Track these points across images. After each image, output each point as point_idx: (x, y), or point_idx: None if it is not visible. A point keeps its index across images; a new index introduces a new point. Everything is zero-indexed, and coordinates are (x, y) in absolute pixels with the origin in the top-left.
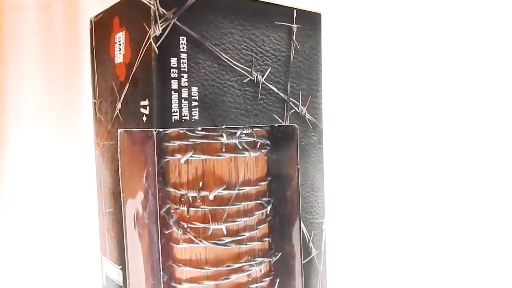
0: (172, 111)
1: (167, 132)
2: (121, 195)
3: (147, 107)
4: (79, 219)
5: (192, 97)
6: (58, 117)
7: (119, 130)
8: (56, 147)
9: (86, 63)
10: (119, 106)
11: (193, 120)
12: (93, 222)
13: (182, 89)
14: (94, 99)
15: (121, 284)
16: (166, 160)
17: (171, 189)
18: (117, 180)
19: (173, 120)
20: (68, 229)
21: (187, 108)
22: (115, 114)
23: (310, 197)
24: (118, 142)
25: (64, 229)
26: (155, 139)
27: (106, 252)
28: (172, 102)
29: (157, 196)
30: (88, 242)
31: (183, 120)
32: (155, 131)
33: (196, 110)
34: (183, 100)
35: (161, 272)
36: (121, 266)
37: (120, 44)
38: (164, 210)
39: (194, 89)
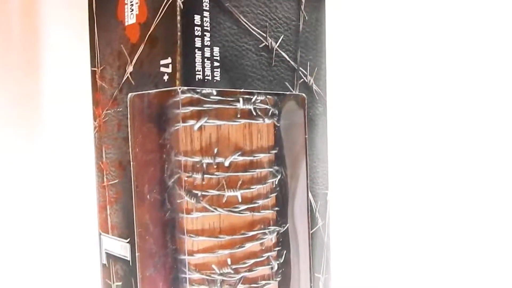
0: (196, 70)
1: (177, 99)
2: (131, 163)
3: (169, 66)
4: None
5: (214, 57)
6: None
7: (130, 94)
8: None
9: (44, 56)
10: (130, 69)
11: (214, 81)
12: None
13: (205, 48)
14: (94, 67)
15: (128, 258)
16: (176, 128)
17: (182, 158)
18: (126, 148)
19: (196, 79)
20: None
21: (210, 68)
22: (125, 78)
23: (317, 168)
24: (128, 108)
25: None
26: (180, 97)
27: (108, 228)
28: (196, 61)
29: (168, 164)
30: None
31: (205, 80)
32: (179, 89)
33: (217, 71)
34: (206, 60)
35: (172, 245)
36: (128, 239)
37: (132, 5)
38: (174, 179)
39: (216, 49)
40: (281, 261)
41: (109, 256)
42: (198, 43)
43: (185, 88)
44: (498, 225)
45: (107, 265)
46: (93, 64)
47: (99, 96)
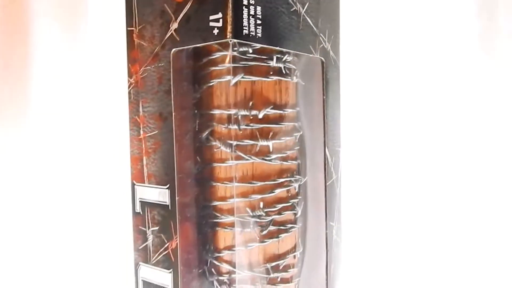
0: (243, 25)
1: (213, 57)
2: (172, 114)
3: (220, 20)
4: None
5: (257, 15)
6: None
7: (173, 49)
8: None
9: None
10: (175, 26)
11: (257, 37)
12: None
13: (250, 6)
14: (130, 27)
15: (168, 203)
16: (214, 83)
17: (217, 111)
18: (168, 100)
19: (243, 34)
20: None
21: (253, 25)
22: (168, 35)
23: (332, 126)
24: (171, 62)
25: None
26: (231, 48)
27: (143, 178)
28: (243, 17)
29: (204, 117)
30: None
31: (250, 35)
32: (230, 41)
33: (259, 28)
34: (250, 17)
35: (206, 192)
36: (168, 185)
37: None
38: (209, 131)
39: (258, 8)
40: (301, 209)
41: (144, 204)
42: (245, 1)
43: (235, 40)
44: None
45: (141, 213)
46: (129, 24)
47: (137, 54)
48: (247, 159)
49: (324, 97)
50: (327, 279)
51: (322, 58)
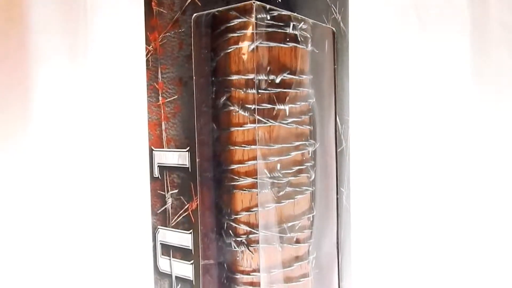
0: None
1: (231, 24)
2: (193, 77)
3: None
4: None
5: None
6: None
7: (194, 14)
8: None
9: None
10: None
11: (277, 2)
12: None
13: None
14: None
15: (188, 165)
16: (232, 49)
17: (235, 76)
18: (189, 64)
19: None
20: None
21: None
22: (189, 0)
23: (342, 96)
24: (192, 27)
25: None
26: (254, 10)
27: (162, 143)
28: None
29: (222, 83)
30: None
31: (271, 0)
32: (254, 3)
33: None
34: None
35: (224, 156)
36: (187, 148)
37: None
38: (226, 96)
39: None
40: (314, 173)
41: (162, 168)
42: None
43: (258, 3)
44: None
45: (160, 177)
46: None
47: (156, 21)
48: (265, 123)
49: (335, 66)
50: (337, 244)
51: (334, 29)
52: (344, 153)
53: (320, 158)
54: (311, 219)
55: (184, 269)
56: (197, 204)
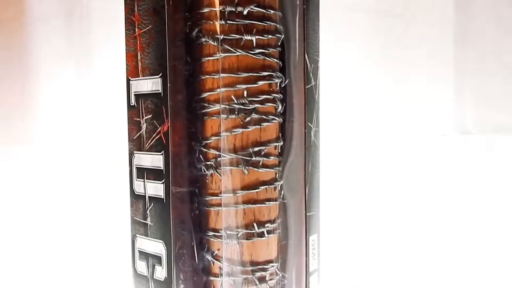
0: None
1: None
2: (165, 7)
3: None
4: None
5: None
6: None
7: None
8: None
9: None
10: None
11: None
12: None
13: None
14: None
15: (160, 90)
16: None
17: (206, 9)
18: None
19: None
20: None
21: None
22: None
23: (312, 36)
24: None
25: None
26: None
27: (138, 72)
28: None
29: (192, 16)
30: None
31: None
32: None
33: None
34: None
35: (193, 84)
36: (160, 74)
37: None
38: (198, 29)
39: None
40: (282, 107)
41: (138, 96)
42: None
43: None
44: None
45: (136, 105)
46: None
47: None
48: (233, 52)
49: (304, 6)
50: (305, 176)
51: None
52: (313, 91)
53: (288, 94)
54: (278, 149)
55: (156, 188)
56: (168, 126)
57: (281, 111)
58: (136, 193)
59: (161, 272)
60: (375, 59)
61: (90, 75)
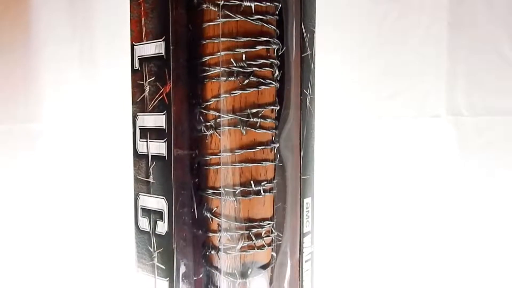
0: None
1: None
2: None
3: None
4: None
5: None
6: None
7: None
8: None
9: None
10: None
11: None
12: None
13: None
14: None
15: (163, 53)
16: None
17: None
18: None
19: None
20: None
21: None
22: None
23: (308, 7)
24: None
25: None
26: None
27: (142, 37)
28: None
29: None
30: None
31: None
32: None
33: None
34: None
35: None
36: (163, 38)
37: None
38: None
39: None
40: (279, 73)
41: (142, 60)
42: None
43: None
44: None
45: (139, 69)
46: None
47: None
48: (233, 17)
49: None
50: (300, 141)
51: None
52: (308, 59)
53: (286, 62)
54: (275, 113)
55: (159, 147)
56: (170, 87)
57: (278, 77)
58: (139, 153)
59: (162, 227)
60: (370, 42)
61: (93, 49)
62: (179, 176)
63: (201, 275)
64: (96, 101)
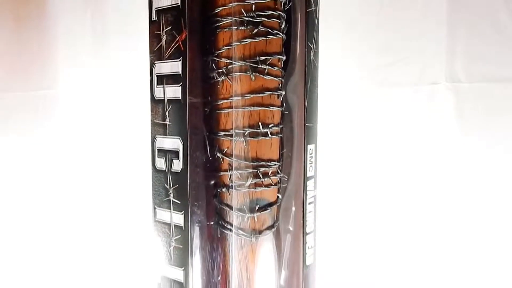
0: None
1: None
2: None
3: None
4: None
5: None
6: None
7: None
8: None
9: None
10: None
11: None
12: None
13: None
14: None
15: (179, 3)
16: None
17: None
18: None
19: None
20: None
21: None
22: None
23: None
24: None
25: None
26: None
27: None
28: None
29: None
30: None
31: None
32: None
33: None
34: None
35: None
36: None
37: None
38: None
39: None
40: (285, 26)
41: (159, 12)
42: None
43: None
44: None
45: (157, 20)
46: None
47: None
48: None
49: None
50: (305, 91)
51: None
52: (313, 15)
53: (292, 15)
54: (281, 63)
55: (175, 91)
56: (186, 35)
57: (284, 30)
58: (156, 99)
59: (178, 165)
60: (371, 15)
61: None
62: (192, 121)
63: (212, 218)
64: (109, 65)
